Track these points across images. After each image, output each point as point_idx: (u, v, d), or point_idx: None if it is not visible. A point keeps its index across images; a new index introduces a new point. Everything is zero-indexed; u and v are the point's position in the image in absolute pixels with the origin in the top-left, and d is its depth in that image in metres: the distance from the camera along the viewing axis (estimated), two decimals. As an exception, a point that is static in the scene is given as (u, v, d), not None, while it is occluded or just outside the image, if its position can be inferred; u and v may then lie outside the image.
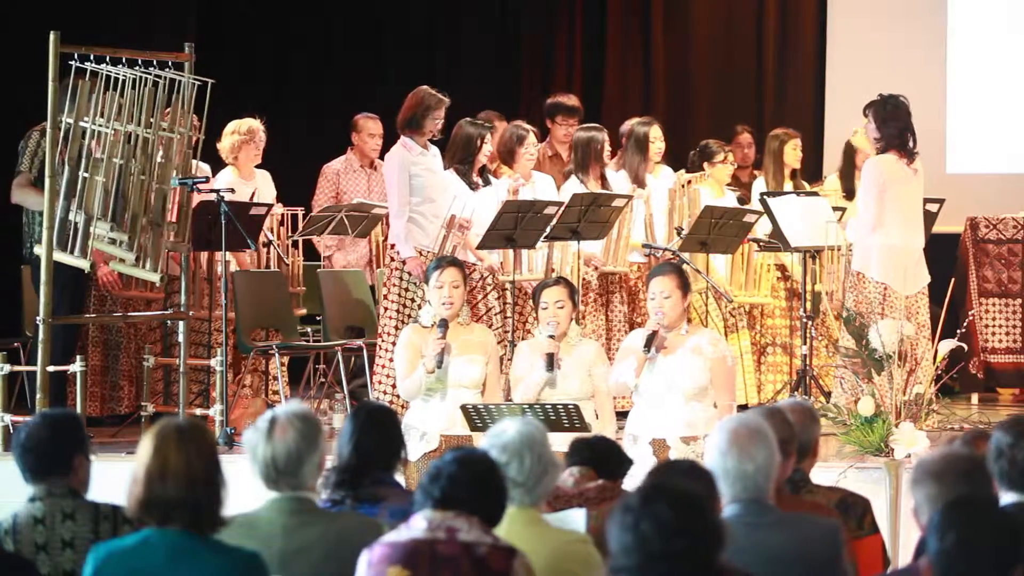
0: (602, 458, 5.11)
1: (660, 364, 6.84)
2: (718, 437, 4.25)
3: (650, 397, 6.86)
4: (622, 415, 7.40)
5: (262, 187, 9.66)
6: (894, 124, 8.59)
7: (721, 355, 6.89)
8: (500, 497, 4.05)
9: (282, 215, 9.79)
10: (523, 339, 8.53)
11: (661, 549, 3.30)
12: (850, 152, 10.50)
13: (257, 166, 9.69)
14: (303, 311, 9.88)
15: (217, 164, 9.49)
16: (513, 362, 7.29)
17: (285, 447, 4.21)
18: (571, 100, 10.39)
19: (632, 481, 6.64)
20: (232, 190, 8.76)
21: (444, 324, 7.04)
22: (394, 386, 7.74)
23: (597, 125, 9.79)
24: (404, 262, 8.65)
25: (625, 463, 5.21)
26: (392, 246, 8.83)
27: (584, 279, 9.30)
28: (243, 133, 9.56)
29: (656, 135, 9.84)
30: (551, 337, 7.04)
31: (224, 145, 9.55)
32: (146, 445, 3.93)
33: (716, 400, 6.86)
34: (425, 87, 8.85)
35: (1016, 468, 4.19)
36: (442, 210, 8.69)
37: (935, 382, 7.71)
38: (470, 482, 3.98)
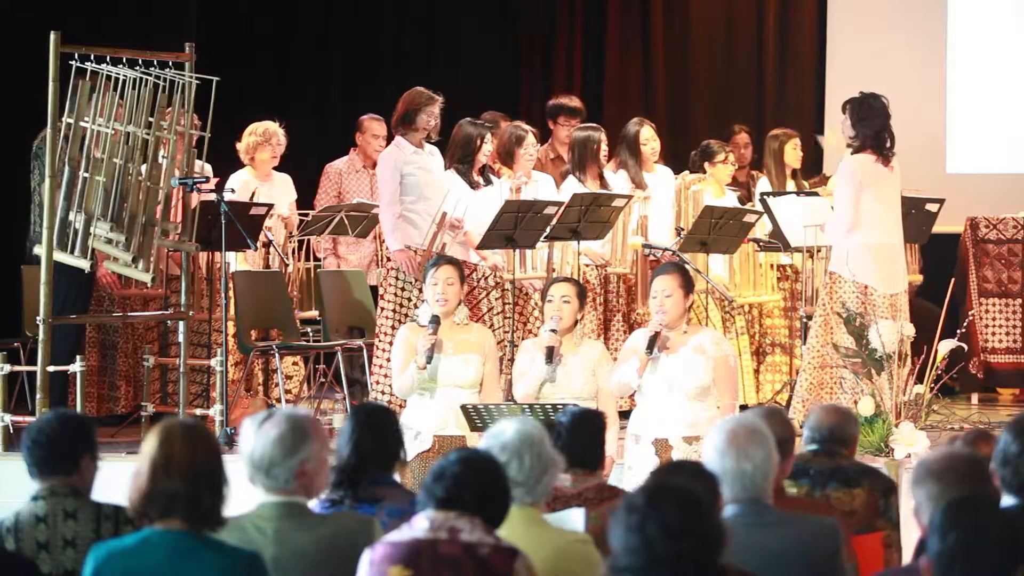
0: (575, 431, 5.06)
1: (662, 364, 6.84)
2: (716, 437, 4.25)
3: (652, 397, 6.86)
4: (624, 415, 7.40)
5: (279, 189, 9.73)
6: (870, 124, 8.50)
7: (723, 354, 6.88)
8: (503, 498, 4.05)
9: (299, 218, 9.85)
10: (524, 339, 8.53)
11: (666, 550, 3.30)
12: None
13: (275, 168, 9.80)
14: (310, 313, 9.89)
15: (217, 164, 9.51)
16: (516, 359, 7.30)
17: (263, 445, 4.21)
18: (573, 101, 10.40)
19: (633, 479, 6.68)
20: (232, 190, 8.78)
21: (436, 320, 7.06)
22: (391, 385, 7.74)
23: (594, 125, 9.80)
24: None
25: (599, 419, 5.18)
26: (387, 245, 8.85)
27: (584, 278, 9.32)
28: (259, 134, 9.71)
29: (647, 136, 9.84)
30: (552, 331, 7.05)
31: (241, 145, 9.69)
32: (152, 440, 3.94)
33: (719, 400, 6.85)
34: (418, 87, 8.85)
35: (1021, 478, 4.16)
36: (436, 209, 8.69)
37: (935, 382, 7.72)
38: (474, 483, 3.97)
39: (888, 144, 8.53)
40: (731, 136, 11.25)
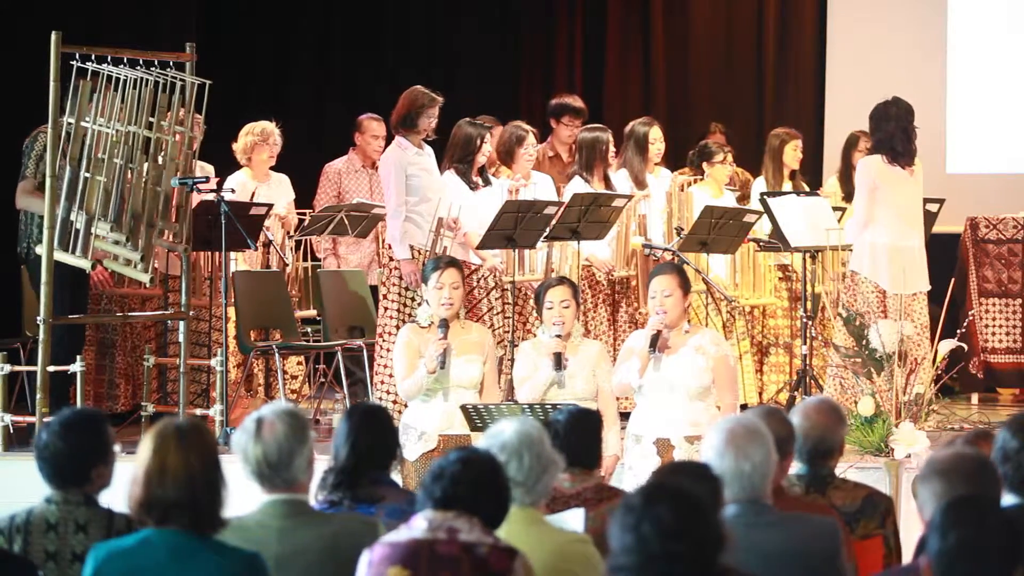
0: (572, 429, 5.06)
1: (663, 364, 6.83)
2: (715, 437, 4.25)
3: (653, 397, 6.85)
4: (624, 416, 7.40)
5: (277, 189, 9.71)
6: (884, 127, 8.74)
7: (723, 355, 6.89)
8: (502, 498, 4.04)
9: (296, 218, 9.85)
10: (523, 339, 8.52)
11: (661, 550, 3.30)
12: (848, 155, 10.50)
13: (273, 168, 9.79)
14: (310, 313, 9.89)
15: (216, 164, 9.51)
16: (516, 362, 7.27)
17: (275, 443, 4.20)
18: (577, 101, 10.39)
19: (633, 480, 6.68)
20: (233, 190, 8.78)
21: (445, 324, 7.02)
22: (395, 385, 7.72)
23: (601, 126, 9.79)
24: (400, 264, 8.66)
25: (596, 417, 5.19)
26: (390, 246, 8.83)
27: (593, 278, 9.34)
28: (256, 134, 9.68)
29: (656, 136, 9.84)
30: (558, 336, 7.02)
31: (238, 146, 9.67)
32: (146, 446, 3.93)
33: (719, 400, 6.85)
34: (418, 87, 8.84)
35: (1021, 473, 4.16)
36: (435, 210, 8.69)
37: (935, 382, 7.72)
38: (472, 482, 3.97)
39: (900, 147, 8.68)
40: (708, 135, 11.24)
